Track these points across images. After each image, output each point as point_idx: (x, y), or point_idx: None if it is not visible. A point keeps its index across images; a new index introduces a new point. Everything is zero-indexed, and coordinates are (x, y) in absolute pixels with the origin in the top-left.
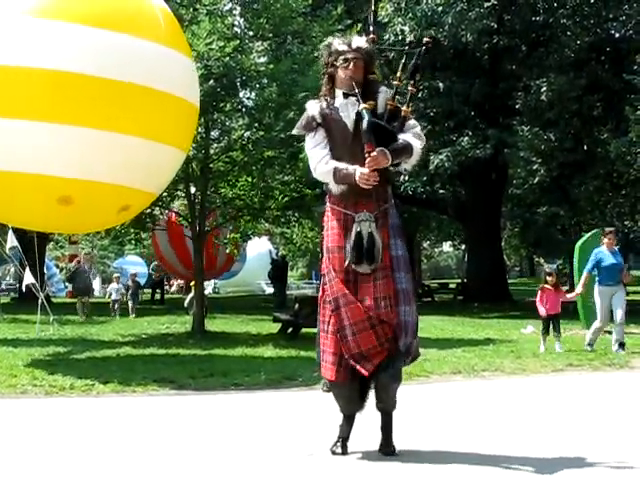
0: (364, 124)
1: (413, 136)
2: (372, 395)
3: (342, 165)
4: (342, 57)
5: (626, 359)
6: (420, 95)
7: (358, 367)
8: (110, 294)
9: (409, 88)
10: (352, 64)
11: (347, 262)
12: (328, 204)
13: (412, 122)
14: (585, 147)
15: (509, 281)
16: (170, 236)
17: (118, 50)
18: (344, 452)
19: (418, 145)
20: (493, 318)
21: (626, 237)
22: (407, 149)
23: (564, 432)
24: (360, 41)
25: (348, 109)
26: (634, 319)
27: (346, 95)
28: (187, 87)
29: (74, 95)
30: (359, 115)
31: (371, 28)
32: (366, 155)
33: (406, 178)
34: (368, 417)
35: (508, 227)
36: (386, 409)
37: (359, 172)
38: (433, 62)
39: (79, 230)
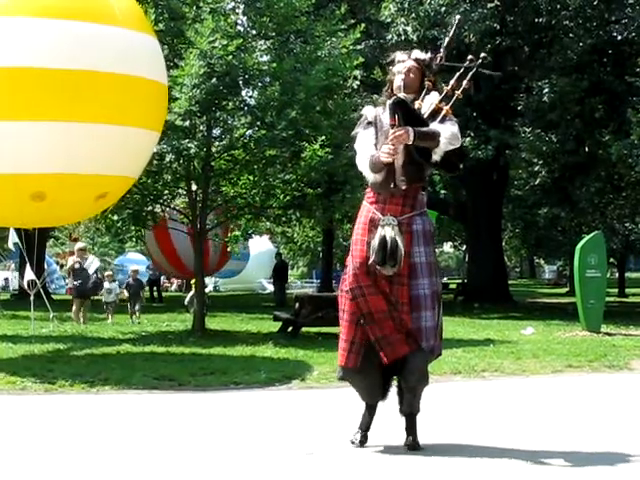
0: (391, 100)
1: (446, 128)
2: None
3: (375, 152)
4: (401, 64)
5: (625, 360)
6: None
7: (381, 354)
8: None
9: (456, 92)
10: (407, 69)
11: (371, 261)
12: (364, 201)
13: (451, 121)
14: (587, 149)
15: (510, 282)
16: (158, 240)
17: (72, 38)
18: (362, 443)
19: (447, 135)
20: (493, 319)
21: (626, 239)
22: (433, 135)
23: (564, 433)
24: (419, 53)
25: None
26: (634, 321)
27: None
28: (150, 66)
29: (33, 90)
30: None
31: (442, 50)
32: (390, 130)
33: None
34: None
35: (509, 228)
36: (411, 412)
37: (383, 148)
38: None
39: (58, 223)
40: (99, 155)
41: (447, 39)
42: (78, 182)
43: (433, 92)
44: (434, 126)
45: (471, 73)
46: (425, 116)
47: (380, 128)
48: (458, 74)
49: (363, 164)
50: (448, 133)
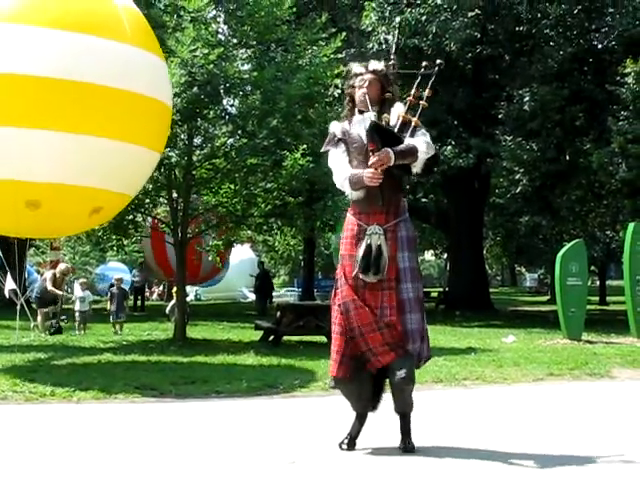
0: (366, 124)
1: (421, 142)
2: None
3: (355, 170)
4: (359, 78)
5: (606, 368)
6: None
7: (372, 360)
8: (74, 303)
9: (420, 102)
10: (367, 82)
11: (355, 271)
12: (348, 213)
13: (422, 131)
14: (567, 157)
15: (491, 290)
16: (152, 242)
17: (81, 52)
18: (350, 448)
19: (423, 149)
20: (474, 327)
21: (607, 247)
22: (411, 151)
23: (545, 440)
24: (377, 64)
25: (362, 123)
26: (615, 329)
27: (362, 112)
28: (156, 86)
29: (39, 98)
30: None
31: (392, 56)
32: (370, 154)
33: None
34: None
35: (490, 236)
36: (403, 411)
37: (366, 172)
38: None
39: (51, 234)
40: (98, 169)
41: (394, 45)
42: (74, 193)
43: (397, 103)
44: (408, 141)
45: (431, 81)
46: (396, 129)
47: (351, 144)
48: (417, 82)
49: (342, 183)
50: (424, 146)
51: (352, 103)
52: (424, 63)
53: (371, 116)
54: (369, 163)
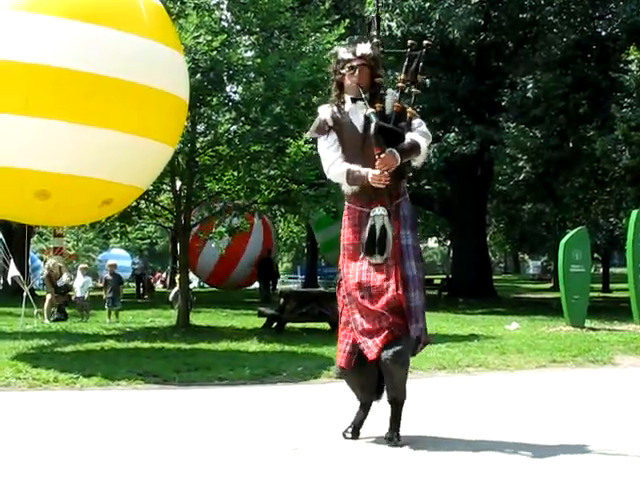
0: (372, 128)
1: (420, 135)
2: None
3: (355, 167)
4: (348, 65)
5: (609, 355)
6: (407, 91)
7: (365, 351)
8: (75, 290)
9: (412, 90)
10: (357, 71)
11: (362, 255)
12: (346, 203)
13: (418, 121)
14: (571, 144)
15: (494, 277)
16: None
17: (99, 43)
18: (354, 437)
19: (424, 144)
20: (478, 314)
21: (610, 235)
22: (415, 148)
23: (548, 427)
24: (364, 48)
25: (357, 113)
26: (618, 316)
27: (354, 100)
28: (173, 81)
29: (53, 89)
30: (367, 119)
31: (374, 33)
32: (376, 157)
33: None
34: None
35: (493, 223)
36: (394, 398)
37: (371, 174)
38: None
39: (61, 223)
40: (110, 162)
41: (374, 21)
42: (85, 185)
43: (389, 90)
44: (408, 135)
45: (416, 63)
46: (392, 121)
47: (344, 133)
48: (405, 65)
49: (338, 176)
50: (424, 141)
51: (340, 89)
52: (410, 42)
53: (371, 117)
54: (377, 166)
